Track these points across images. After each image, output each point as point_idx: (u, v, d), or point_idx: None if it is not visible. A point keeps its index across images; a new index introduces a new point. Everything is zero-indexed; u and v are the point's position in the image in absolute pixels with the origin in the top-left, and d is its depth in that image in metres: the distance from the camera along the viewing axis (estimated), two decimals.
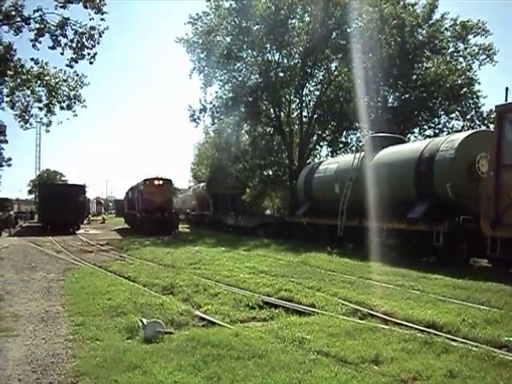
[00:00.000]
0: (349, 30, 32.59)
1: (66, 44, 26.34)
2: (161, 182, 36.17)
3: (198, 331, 7.56)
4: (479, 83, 34.78)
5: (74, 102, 29.51)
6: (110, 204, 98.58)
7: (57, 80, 28.82)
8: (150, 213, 33.61)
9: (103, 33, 26.42)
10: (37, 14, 25.54)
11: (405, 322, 7.96)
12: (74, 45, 26.32)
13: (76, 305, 9.57)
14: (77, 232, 36.94)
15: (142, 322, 7.50)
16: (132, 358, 6.08)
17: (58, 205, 35.00)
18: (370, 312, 8.81)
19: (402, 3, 34.92)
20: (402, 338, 6.91)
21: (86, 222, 48.16)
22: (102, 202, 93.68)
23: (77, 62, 27.12)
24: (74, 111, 29.95)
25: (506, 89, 14.73)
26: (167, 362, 5.90)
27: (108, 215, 76.26)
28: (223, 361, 5.95)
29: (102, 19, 25.80)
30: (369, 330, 7.35)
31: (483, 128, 28.81)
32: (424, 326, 7.67)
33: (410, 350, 6.36)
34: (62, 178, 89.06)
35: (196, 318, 8.51)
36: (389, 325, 7.86)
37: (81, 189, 41.54)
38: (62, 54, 26.83)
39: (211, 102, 36.31)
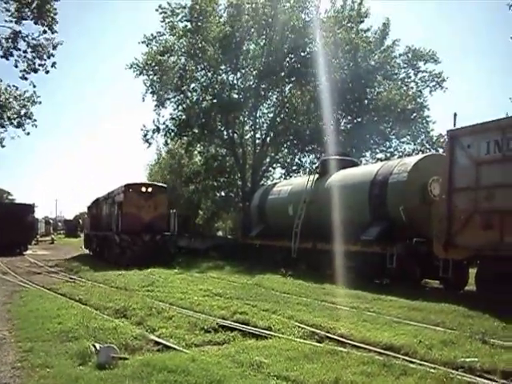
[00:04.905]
0: (303, 54, 33.03)
1: (19, 56, 26.14)
2: (150, 190, 26.21)
3: (154, 356, 7.34)
4: (428, 109, 35.96)
5: (25, 119, 28.94)
6: (60, 224, 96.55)
7: (7, 96, 28.22)
8: (133, 235, 24.19)
9: (57, 46, 26.38)
10: None
11: (363, 345, 7.95)
12: (28, 56, 26.20)
13: (24, 330, 9.15)
14: (24, 253, 35.84)
15: (94, 347, 7.24)
16: None
17: (4, 224, 33.75)
18: (327, 335, 8.76)
19: (355, 29, 35.72)
20: (361, 360, 6.88)
21: (33, 242, 46.82)
22: (51, 221, 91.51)
23: (30, 73, 26.89)
24: (24, 129, 29.40)
25: (455, 114, 15.10)
26: None
27: (57, 235, 74.49)
28: None
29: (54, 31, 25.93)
30: (327, 353, 7.29)
31: (433, 152, 29.54)
32: (382, 349, 7.69)
33: (369, 373, 6.33)
34: (9, 197, 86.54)
35: (151, 342, 8.27)
36: (347, 347, 7.83)
37: (29, 208, 40.33)
38: (16, 66, 26.49)
39: (164, 123, 35.99)
